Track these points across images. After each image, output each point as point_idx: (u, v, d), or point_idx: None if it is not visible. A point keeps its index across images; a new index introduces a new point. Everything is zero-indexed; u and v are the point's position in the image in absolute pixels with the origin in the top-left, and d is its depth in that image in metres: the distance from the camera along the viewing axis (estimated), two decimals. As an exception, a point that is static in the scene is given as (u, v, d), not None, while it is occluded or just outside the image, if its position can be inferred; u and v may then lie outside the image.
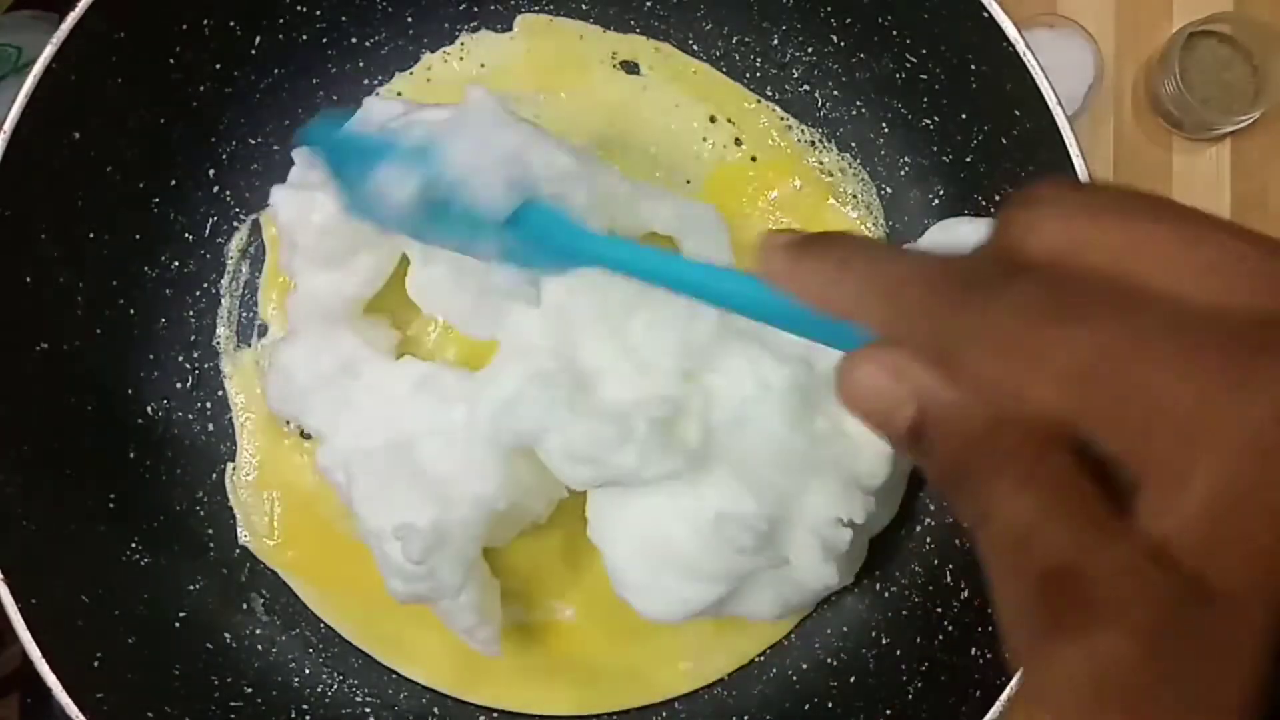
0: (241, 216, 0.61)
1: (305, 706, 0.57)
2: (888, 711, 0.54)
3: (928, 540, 0.58)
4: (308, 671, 0.58)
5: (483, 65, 0.62)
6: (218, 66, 0.58)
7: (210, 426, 0.60)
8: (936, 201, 0.59)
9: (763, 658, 0.59)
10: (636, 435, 0.47)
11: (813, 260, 0.25)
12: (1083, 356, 0.19)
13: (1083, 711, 0.19)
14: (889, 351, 0.22)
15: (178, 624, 0.56)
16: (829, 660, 0.58)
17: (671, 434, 0.48)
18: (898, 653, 0.56)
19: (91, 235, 0.57)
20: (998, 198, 0.56)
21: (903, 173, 0.60)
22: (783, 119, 0.62)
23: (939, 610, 0.56)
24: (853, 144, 0.61)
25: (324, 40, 0.60)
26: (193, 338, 0.61)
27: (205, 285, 0.61)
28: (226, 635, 0.58)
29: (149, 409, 0.59)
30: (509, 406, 0.48)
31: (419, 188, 0.40)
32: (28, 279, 0.54)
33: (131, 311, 0.59)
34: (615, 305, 0.50)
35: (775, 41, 0.61)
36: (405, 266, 0.55)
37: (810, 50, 0.61)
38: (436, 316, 0.57)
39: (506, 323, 0.51)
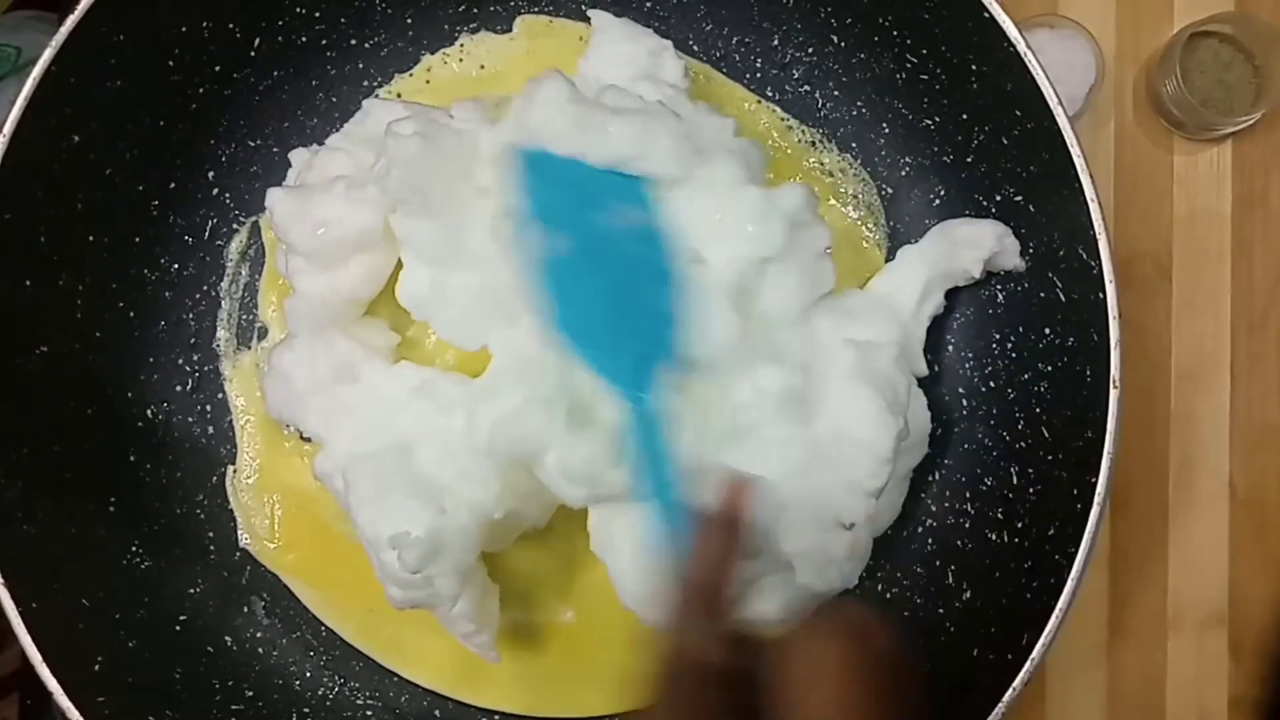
0: (241, 219, 0.61)
1: (306, 710, 0.57)
2: (889, 713, 0.54)
3: (929, 541, 0.58)
4: (309, 674, 0.58)
5: (482, 67, 0.62)
6: (217, 69, 0.58)
7: (210, 429, 0.60)
8: (937, 202, 0.59)
9: (764, 659, 0.59)
10: (631, 454, 0.47)
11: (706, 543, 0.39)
12: None
13: None
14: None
15: (178, 627, 0.56)
16: (830, 661, 0.58)
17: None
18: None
19: (91, 238, 0.56)
20: (999, 198, 0.56)
21: (903, 173, 0.60)
22: (783, 119, 0.61)
23: (940, 611, 0.56)
24: (853, 144, 0.61)
25: (323, 42, 0.60)
26: (192, 340, 0.60)
27: (205, 288, 0.61)
28: (227, 638, 0.58)
29: (149, 412, 0.59)
30: (507, 424, 0.48)
31: None
32: (28, 282, 0.54)
33: (131, 314, 0.58)
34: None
35: (775, 42, 0.61)
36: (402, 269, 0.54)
37: (810, 51, 0.61)
38: (427, 323, 0.57)
39: (497, 335, 0.51)
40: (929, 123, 0.59)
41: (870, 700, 0.34)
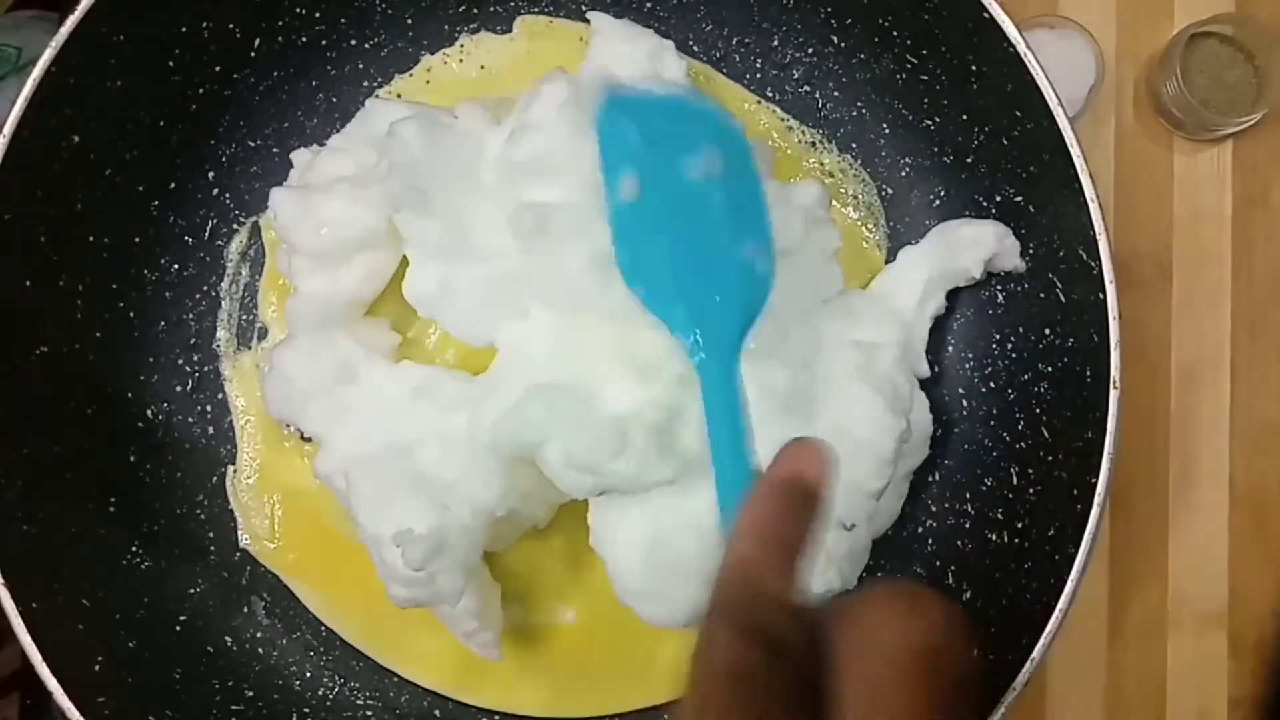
0: (241, 219, 0.61)
1: (306, 710, 0.57)
2: (889, 713, 0.54)
3: (929, 542, 0.58)
4: (309, 674, 0.58)
5: (482, 67, 0.62)
6: (217, 69, 0.58)
7: (210, 429, 0.60)
8: (937, 202, 0.59)
9: (764, 659, 0.59)
10: (635, 443, 0.47)
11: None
12: None
13: None
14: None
15: (178, 627, 0.56)
16: (830, 662, 0.58)
17: (671, 440, 0.48)
18: (899, 654, 0.56)
19: (91, 238, 0.56)
20: (999, 198, 0.56)
21: (903, 173, 0.60)
22: (783, 120, 0.61)
23: (940, 612, 0.55)
24: (853, 145, 0.61)
25: (323, 43, 0.60)
26: (193, 340, 0.60)
27: (205, 288, 0.61)
28: (227, 638, 0.58)
29: (149, 412, 0.59)
30: (510, 416, 0.48)
31: None
32: (28, 282, 0.54)
33: (131, 314, 0.58)
34: (617, 311, 0.50)
35: (775, 43, 0.61)
36: (405, 269, 0.55)
37: (810, 51, 0.61)
38: (433, 320, 0.57)
39: (504, 329, 0.51)
40: (929, 123, 0.59)
41: (928, 673, 0.30)
